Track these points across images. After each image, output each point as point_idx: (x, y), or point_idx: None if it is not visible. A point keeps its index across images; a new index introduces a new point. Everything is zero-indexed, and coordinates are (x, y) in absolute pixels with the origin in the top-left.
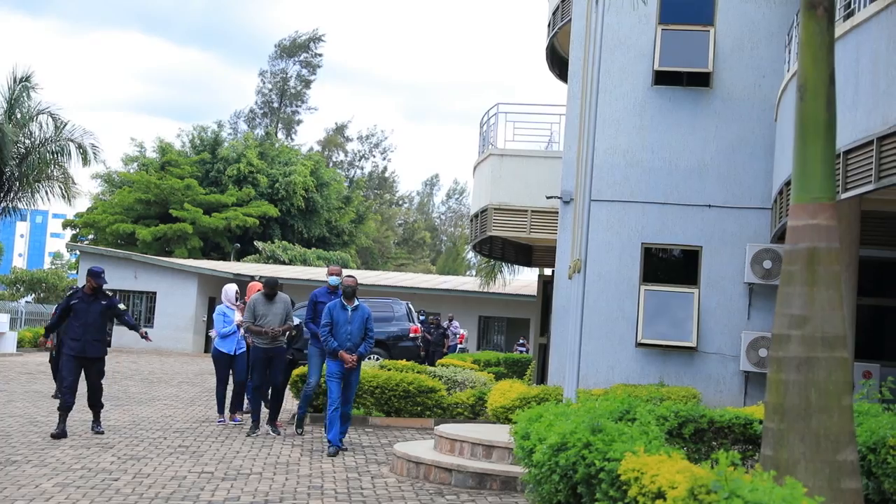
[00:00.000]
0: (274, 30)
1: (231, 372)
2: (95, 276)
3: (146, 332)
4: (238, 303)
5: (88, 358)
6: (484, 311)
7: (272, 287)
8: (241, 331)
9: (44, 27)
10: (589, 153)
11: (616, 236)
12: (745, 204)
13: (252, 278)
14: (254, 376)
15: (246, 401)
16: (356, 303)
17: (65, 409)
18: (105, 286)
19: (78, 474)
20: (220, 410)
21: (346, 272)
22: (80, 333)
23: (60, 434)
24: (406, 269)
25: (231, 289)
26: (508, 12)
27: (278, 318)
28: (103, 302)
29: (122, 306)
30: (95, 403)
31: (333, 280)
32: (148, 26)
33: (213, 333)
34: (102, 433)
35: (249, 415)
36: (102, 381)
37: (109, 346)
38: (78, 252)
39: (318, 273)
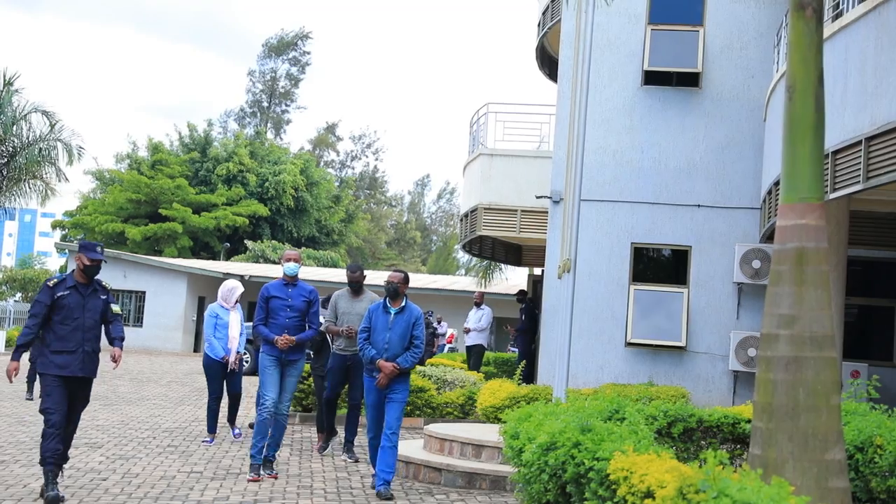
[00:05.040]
0: (271, 28)
1: (226, 383)
2: (91, 249)
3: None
4: (232, 305)
5: (81, 379)
6: None
7: (359, 279)
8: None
9: (39, 24)
10: (578, 153)
11: (605, 236)
12: (734, 204)
13: (241, 277)
14: (328, 386)
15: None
16: (403, 304)
17: (56, 462)
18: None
19: (66, 474)
20: (211, 429)
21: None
22: (75, 342)
23: (56, 499)
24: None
25: (226, 286)
26: (498, 12)
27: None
28: (103, 297)
29: (115, 307)
30: (64, 453)
31: (289, 269)
32: (141, 23)
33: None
34: (64, 500)
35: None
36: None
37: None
38: (67, 251)
39: (311, 273)
